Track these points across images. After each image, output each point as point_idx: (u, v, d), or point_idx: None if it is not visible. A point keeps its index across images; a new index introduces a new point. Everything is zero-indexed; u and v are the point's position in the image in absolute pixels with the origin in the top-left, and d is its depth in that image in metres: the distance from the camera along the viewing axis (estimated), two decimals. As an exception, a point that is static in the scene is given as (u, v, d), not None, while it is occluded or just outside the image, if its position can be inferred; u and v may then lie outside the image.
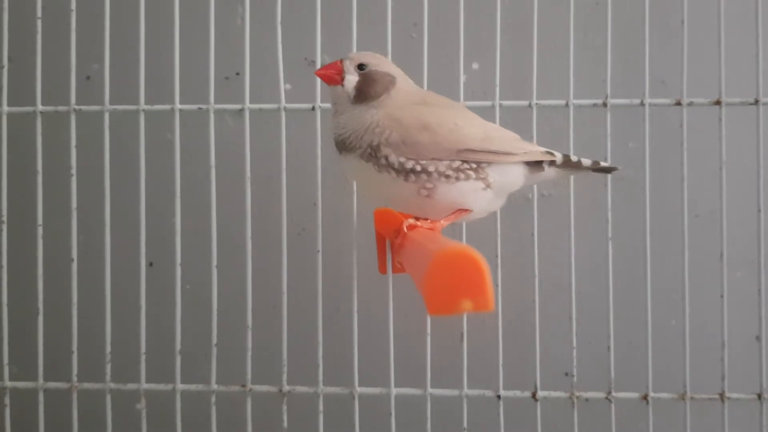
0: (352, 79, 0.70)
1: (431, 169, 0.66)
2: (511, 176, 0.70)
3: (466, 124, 0.69)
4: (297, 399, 0.81)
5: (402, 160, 0.66)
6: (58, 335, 0.84)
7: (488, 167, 0.68)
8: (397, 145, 0.67)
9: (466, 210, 0.68)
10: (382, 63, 0.71)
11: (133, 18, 0.81)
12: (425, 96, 0.72)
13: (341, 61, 0.71)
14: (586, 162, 0.73)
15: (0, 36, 0.83)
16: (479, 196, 0.68)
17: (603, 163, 0.74)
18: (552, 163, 0.71)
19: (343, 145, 0.69)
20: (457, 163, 0.67)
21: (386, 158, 0.67)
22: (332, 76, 0.71)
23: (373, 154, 0.67)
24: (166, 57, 0.82)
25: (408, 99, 0.70)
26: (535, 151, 0.71)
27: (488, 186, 0.68)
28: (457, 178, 0.67)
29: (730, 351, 0.79)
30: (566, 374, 0.84)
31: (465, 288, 0.45)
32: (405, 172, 0.66)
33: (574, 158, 0.72)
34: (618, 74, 0.82)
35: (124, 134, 0.85)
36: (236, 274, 0.82)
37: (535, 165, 0.71)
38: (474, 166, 0.68)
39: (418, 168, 0.66)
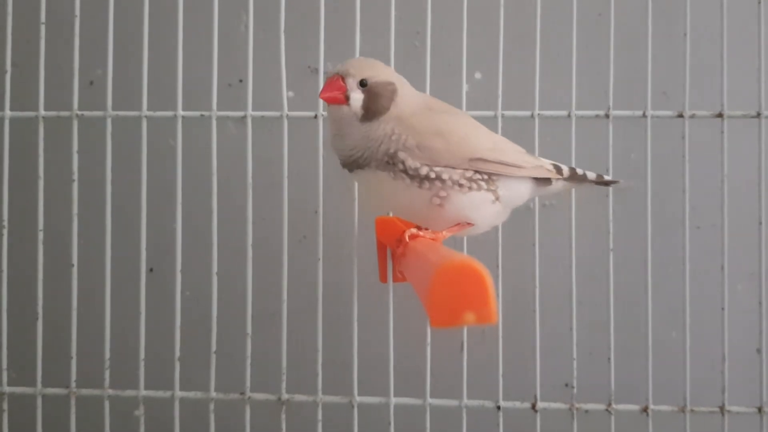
0: (357, 98, 0.67)
1: (445, 176, 0.66)
2: (519, 190, 0.70)
3: (476, 133, 0.69)
4: (296, 407, 0.81)
5: (417, 165, 0.65)
6: (57, 341, 0.84)
7: (498, 180, 0.68)
8: (412, 149, 0.66)
9: (470, 224, 0.68)
10: (380, 71, 0.69)
11: (136, 24, 0.82)
12: (429, 101, 0.71)
13: (342, 78, 0.67)
14: (591, 175, 0.73)
15: (3, 41, 0.83)
16: (488, 208, 0.68)
17: (606, 177, 0.74)
18: (560, 176, 0.71)
19: (356, 164, 0.68)
20: (469, 173, 0.67)
21: (403, 163, 0.66)
22: (337, 97, 0.67)
23: (390, 162, 0.66)
24: (169, 63, 0.82)
25: (414, 104, 0.69)
26: (544, 165, 0.71)
27: (497, 199, 0.68)
28: (470, 188, 0.66)
29: (730, 364, 0.79)
30: (566, 385, 0.84)
31: (468, 300, 0.45)
32: (420, 179, 0.66)
33: (579, 171, 0.73)
34: (620, 86, 0.82)
35: (127, 140, 0.84)
36: (236, 280, 0.82)
37: (542, 179, 0.71)
38: (485, 177, 0.67)
39: (433, 175, 0.66)
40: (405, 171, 0.66)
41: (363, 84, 0.67)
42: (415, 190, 0.66)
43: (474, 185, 0.67)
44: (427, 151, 0.66)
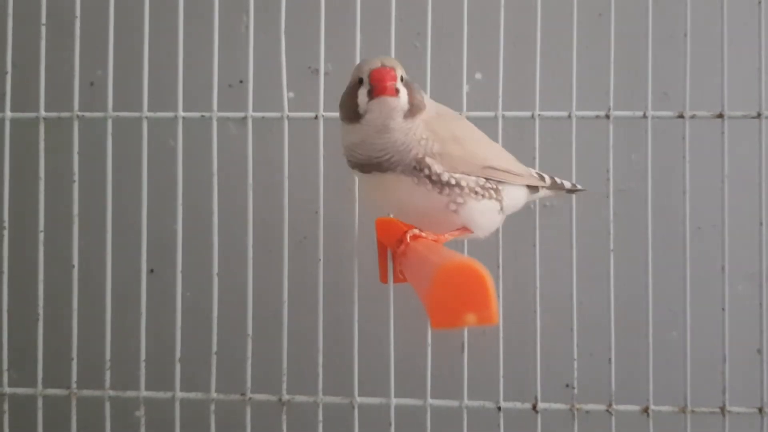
0: (404, 92, 0.64)
1: (464, 183, 0.66)
2: (517, 198, 0.72)
3: (483, 141, 0.70)
4: (296, 408, 0.81)
5: (441, 171, 0.65)
6: (58, 341, 0.84)
7: (503, 189, 0.69)
8: (436, 155, 0.65)
9: (470, 230, 0.68)
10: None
11: (137, 25, 0.82)
12: (436, 106, 0.70)
13: (393, 68, 0.63)
14: (567, 184, 0.76)
15: (4, 42, 0.83)
16: (494, 216, 0.69)
17: (578, 186, 0.78)
18: (544, 185, 0.74)
19: (378, 167, 0.65)
20: (482, 181, 0.67)
21: (429, 168, 0.65)
22: (393, 88, 0.63)
23: (417, 167, 0.65)
24: (169, 64, 0.82)
25: (430, 108, 0.68)
26: (532, 174, 0.73)
27: (501, 208, 0.69)
28: (483, 196, 0.67)
29: (731, 364, 0.79)
30: (567, 386, 0.84)
31: (469, 301, 0.45)
32: (441, 185, 0.65)
33: (558, 180, 0.75)
34: (621, 86, 0.82)
35: (127, 141, 0.84)
36: (237, 281, 0.82)
37: (532, 187, 0.73)
38: (494, 186, 0.68)
39: (453, 181, 0.65)
40: (429, 177, 0.65)
41: (401, 79, 0.65)
42: (435, 195, 0.66)
43: (486, 193, 0.67)
44: (448, 158, 0.66)
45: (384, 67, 0.64)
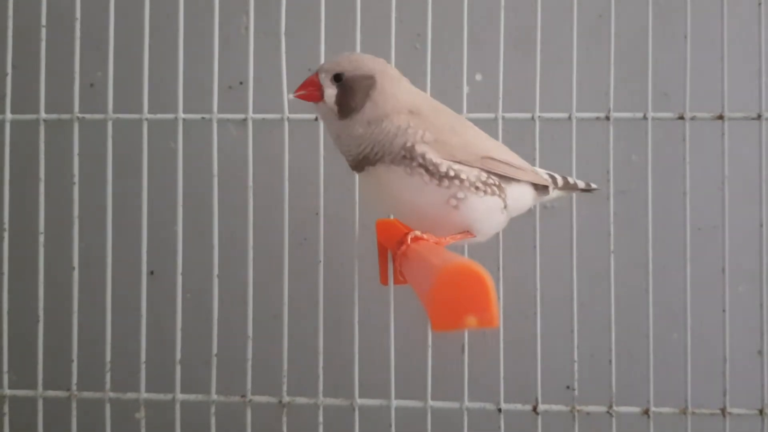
0: (331, 93, 0.65)
1: (463, 176, 0.64)
2: (523, 198, 0.71)
3: (482, 134, 0.70)
4: (297, 410, 0.81)
5: (437, 160, 0.64)
6: (58, 343, 0.84)
7: (507, 187, 0.68)
8: (431, 143, 0.64)
9: (472, 234, 0.67)
10: (361, 65, 0.66)
11: (137, 26, 0.82)
12: (431, 101, 0.70)
13: (317, 74, 0.66)
14: (581, 183, 0.76)
15: (4, 43, 0.83)
16: (497, 216, 0.68)
17: (593, 186, 0.77)
18: (555, 185, 0.73)
19: (367, 161, 0.65)
20: (484, 176, 0.66)
21: (423, 157, 0.63)
22: (312, 93, 0.65)
23: (407, 156, 0.64)
24: (169, 66, 0.82)
25: (419, 100, 0.67)
26: (539, 173, 0.72)
27: (505, 207, 0.68)
28: (485, 192, 0.66)
29: (731, 366, 0.79)
30: (567, 387, 0.84)
31: (470, 304, 0.45)
32: (439, 176, 0.64)
33: (570, 180, 0.74)
34: (621, 87, 0.82)
35: (127, 143, 0.84)
36: (237, 283, 0.82)
37: (542, 188, 0.72)
38: (497, 182, 0.67)
39: (452, 173, 0.64)
40: (424, 166, 0.64)
41: (338, 79, 0.65)
42: (433, 188, 0.64)
43: (488, 189, 0.66)
44: (445, 146, 0.64)
45: (312, 74, 0.66)
